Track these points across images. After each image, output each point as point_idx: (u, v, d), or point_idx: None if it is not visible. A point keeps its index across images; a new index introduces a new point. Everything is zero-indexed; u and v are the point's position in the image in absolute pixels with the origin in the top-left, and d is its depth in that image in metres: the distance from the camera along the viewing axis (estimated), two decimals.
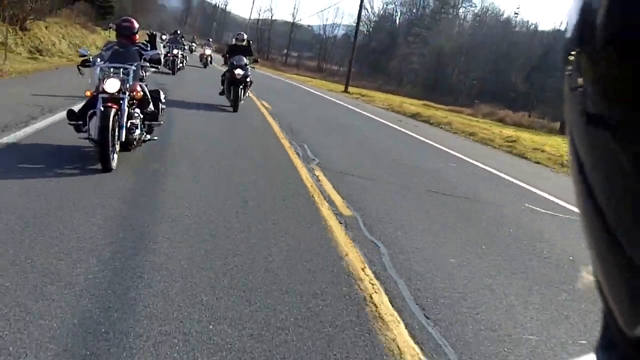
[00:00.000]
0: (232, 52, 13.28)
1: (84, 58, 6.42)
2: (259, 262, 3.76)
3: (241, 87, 12.70)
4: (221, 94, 13.31)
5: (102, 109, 5.70)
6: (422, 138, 13.31)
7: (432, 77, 58.40)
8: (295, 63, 77.62)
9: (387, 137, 12.67)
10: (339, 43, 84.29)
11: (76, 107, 6.30)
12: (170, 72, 20.23)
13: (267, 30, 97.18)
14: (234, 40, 14.24)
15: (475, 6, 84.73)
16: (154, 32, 8.83)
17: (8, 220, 3.86)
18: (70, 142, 6.39)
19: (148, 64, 6.71)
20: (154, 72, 16.22)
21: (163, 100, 7.15)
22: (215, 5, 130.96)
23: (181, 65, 22.33)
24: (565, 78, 0.29)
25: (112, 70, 6.09)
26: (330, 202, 5.65)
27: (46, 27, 19.66)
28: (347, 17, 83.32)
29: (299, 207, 5.42)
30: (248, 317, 2.96)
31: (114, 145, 5.84)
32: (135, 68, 6.28)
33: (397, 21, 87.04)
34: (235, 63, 12.72)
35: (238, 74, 12.48)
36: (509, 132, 18.41)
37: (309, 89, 28.82)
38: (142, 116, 6.47)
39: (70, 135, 6.25)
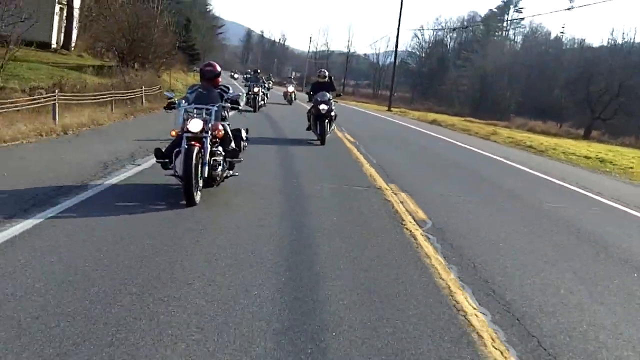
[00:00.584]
0: (315, 89, 14.30)
1: (170, 101, 7.04)
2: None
3: (327, 121, 13.62)
4: (308, 129, 14.21)
5: (186, 147, 6.17)
6: (418, 128, 21.18)
7: (478, 96, 64.02)
8: (352, 91, 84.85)
9: (403, 130, 20.13)
10: (391, 70, 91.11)
11: (164, 147, 6.74)
12: (252, 109, 21.37)
13: (325, 62, 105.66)
14: (317, 77, 15.49)
15: (524, 27, 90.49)
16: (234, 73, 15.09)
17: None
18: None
19: (229, 105, 7.07)
20: (243, 110, 18.07)
21: (245, 138, 7.52)
22: (274, 41, 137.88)
23: (262, 102, 23.41)
24: None
25: (195, 111, 6.59)
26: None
27: (167, 73, 27.82)
28: (399, 45, 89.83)
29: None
30: None
31: (197, 181, 6.28)
32: (216, 109, 6.75)
33: (449, 46, 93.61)
34: (319, 99, 13.65)
35: (323, 109, 13.40)
36: (503, 131, 25.50)
37: (363, 110, 37.11)
38: (223, 154, 6.88)
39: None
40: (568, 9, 77.37)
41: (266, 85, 26.68)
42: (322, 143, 13.45)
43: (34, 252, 4.17)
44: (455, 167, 12.31)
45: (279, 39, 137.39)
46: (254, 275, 4.12)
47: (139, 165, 8.23)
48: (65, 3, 25.68)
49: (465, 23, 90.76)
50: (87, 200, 5.98)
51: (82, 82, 17.08)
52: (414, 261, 4.91)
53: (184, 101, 6.89)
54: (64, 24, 26.59)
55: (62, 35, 26.87)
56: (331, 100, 13.87)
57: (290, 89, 31.50)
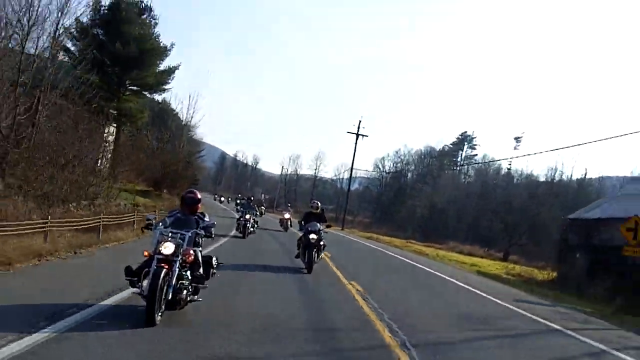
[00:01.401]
0: (307, 219, 15.31)
1: (148, 222, 7.74)
2: None
3: (315, 250, 14.41)
4: (297, 256, 15.09)
5: (155, 268, 6.74)
6: (356, 239, 30.65)
7: (427, 223, 74.93)
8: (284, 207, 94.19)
9: (346, 240, 29.70)
10: (355, 194, 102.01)
11: (135, 265, 7.23)
12: (241, 235, 22.61)
13: (294, 185, 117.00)
14: (310, 208, 16.17)
15: (477, 162, 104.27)
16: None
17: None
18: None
19: (203, 232, 7.69)
20: (231, 236, 21.94)
21: (214, 265, 8.12)
22: (246, 164, 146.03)
23: (252, 229, 24.25)
24: None
25: (170, 234, 7.23)
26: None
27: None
28: (361, 172, 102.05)
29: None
30: None
31: (160, 302, 6.73)
32: (190, 235, 7.39)
33: (407, 177, 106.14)
34: (310, 229, 14.60)
35: (312, 239, 14.30)
36: (424, 248, 35.54)
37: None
38: (190, 278, 7.43)
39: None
40: (515, 147, 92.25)
41: (257, 212, 27.88)
42: (309, 272, 14.11)
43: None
44: (371, 256, 22.08)
45: (252, 162, 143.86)
46: None
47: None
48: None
49: (423, 157, 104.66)
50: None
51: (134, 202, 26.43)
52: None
53: (161, 224, 7.54)
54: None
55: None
56: (321, 231, 14.82)
57: (287, 215, 32.29)
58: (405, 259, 24.11)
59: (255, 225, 25.48)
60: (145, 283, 6.87)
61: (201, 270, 7.66)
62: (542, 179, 78.72)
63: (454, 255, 32.90)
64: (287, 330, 7.49)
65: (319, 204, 16.08)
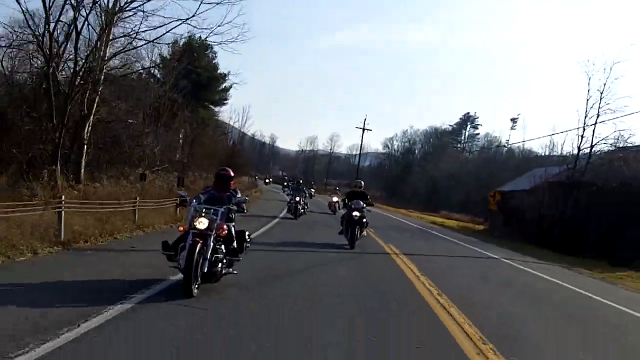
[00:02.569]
0: (350, 197, 16.52)
1: (182, 199, 8.27)
2: None
3: (357, 227, 15.52)
4: (340, 233, 16.24)
5: (191, 242, 7.22)
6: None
7: (429, 196, 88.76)
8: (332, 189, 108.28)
9: None
10: (367, 171, 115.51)
11: (171, 240, 7.76)
12: (293, 217, 24.43)
13: (311, 163, 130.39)
14: (353, 187, 17.61)
15: (479, 140, 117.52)
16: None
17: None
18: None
19: (235, 208, 8.19)
20: (282, 218, 24.04)
21: (248, 240, 8.66)
22: (264, 143, 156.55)
23: (302, 211, 25.93)
24: None
25: (204, 210, 7.67)
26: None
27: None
28: (372, 151, 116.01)
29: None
30: None
31: (197, 275, 7.26)
32: (223, 210, 7.85)
33: (415, 154, 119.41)
34: (353, 206, 15.73)
35: (355, 216, 15.42)
36: (427, 217, 49.85)
37: None
38: (224, 252, 7.90)
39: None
40: (512, 127, 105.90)
41: (307, 194, 29.89)
42: (352, 247, 14.99)
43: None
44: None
45: (269, 141, 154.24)
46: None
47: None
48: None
49: (428, 136, 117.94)
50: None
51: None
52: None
53: (194, 200, 8.04)
54: None
55: None
56: (364, 209, 15.65)
57: (335, 199, 33.20)
58: (396, 218, 38.64)
59: (306, 207, 27.48)
60: (181, 257, 7.32)
61: (235, 244, 8.17)
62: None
63: (433, 218, 47.03)
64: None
65: (362, 183, 17.31)
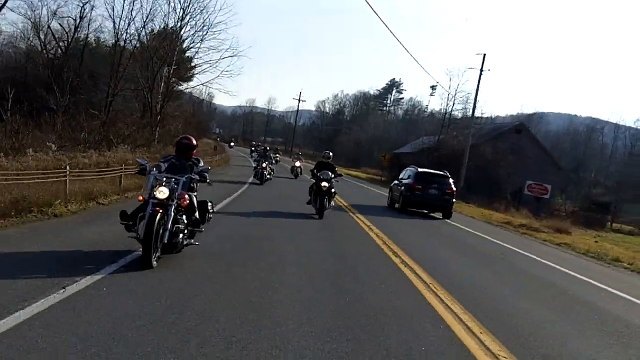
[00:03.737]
0: (319, 168, 16.98)
1: (141, 167, 7.83)
2: None
3: (326, 197, 15.98)
4: (308, 202, 16.75)
5: (150, 212, 7.07)
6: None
7: (355, 155, 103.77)
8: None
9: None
10: (300, 130, 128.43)
11: (130, 210, 7.60)
12: (259, 182, 25.70)
13: (250, 120, 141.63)
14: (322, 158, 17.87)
15: (403, 104, 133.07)
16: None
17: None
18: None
19: (197, 177, 7.98)
20: (250, 183, 25.07)
21: (210, 210, 8.63)
22: (202, 100, 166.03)
23: (269, 177, 27.26)
24: None
25: (164, 179, 7.45)
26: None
27: None
28: (309, 106, 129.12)
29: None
30: None
31: (156, 245, 7.11)
32: (184, 179, 7.65)
33: (346, 115, 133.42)
34: (322, 177, 16.13)
35: (324, 186, 15.89)
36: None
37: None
38: (185, 222, 7.78)
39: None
40: (431, 94, 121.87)
41: (273, 160, 31.45)
42: (320, 217, 15.62)
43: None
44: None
45: (205, 98, 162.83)
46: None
47: None
48: None
49: (357, 100, 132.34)
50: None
51: None
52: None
53: (155, 169, 7.72)
54: None
55: None
56: (332, 180, 16.36)
57: (298, 164, 35.52)
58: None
59: (272, 172, 28.92)
60: (140, 227, 7.19)
61: (197, 214, 8.04)
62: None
63: (350, 172, 61.82)
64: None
65: (330, 154, 17.73)
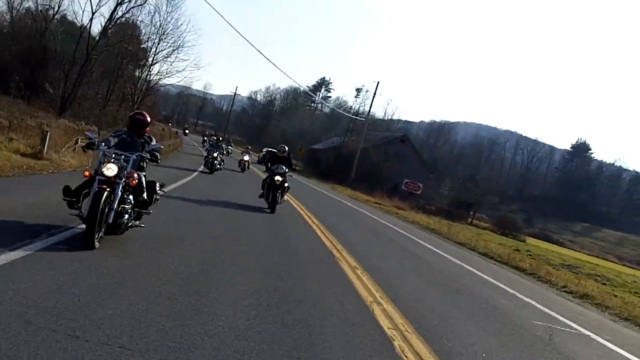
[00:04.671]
0: (273, 161, 16.79)
1: (90, 141, 7.53)
2: None
3: (279, 191, 15.92)
4: (260, 196, 16.55)
5: (97, 189, 6.73)
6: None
7: (282, 143, 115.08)
8: (201, 131, 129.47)
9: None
10: (233, 117, 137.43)
11: (74, 185, 7.25)
12: (209, 171, 26.53)
13: (184, 101, 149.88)
14: (276, 151, 17.77)
15: (330, 102, 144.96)
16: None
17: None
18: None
19: (148, 156, 7.75)
20: (200, 172, 25.70)
21: (158, 192, 8.32)
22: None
23: (219, 166, 28.30)
24: None
25: (113, 156, 7.16)
26: None
27: None
28: (243, 93, 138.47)
29: None
30: None
31: (101, 225, 6.82)
32: (135, 157, 7.39)
33: (276, 106, 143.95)
34: (276, 170, 16.14)
35: (277, 180, 15.81)
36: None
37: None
38: (132, 203, 7.49)
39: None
40: (356, 96, 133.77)
41: (225, 151, 32.71)
42: (272, 211, 15.57)
43: None
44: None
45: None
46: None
47: None
48: None
49: (288, 94, 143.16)
50: None
51: None
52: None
53: (104, 144, 7.38)
54: None
55: None
56: (286, 174, 16.32)
57: (246, 157, 35.29)
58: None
59: (222, 163, 29.55)
60: (84, 204, 6.89)
61: (145, 195, 7.77)
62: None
63: None
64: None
65: (286, 148, 17.72)
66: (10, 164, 13.26)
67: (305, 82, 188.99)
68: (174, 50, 48.12)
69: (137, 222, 7.91)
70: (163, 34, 47.64)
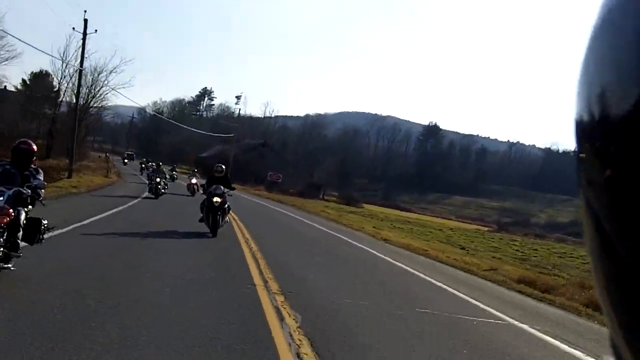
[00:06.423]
0: (210, 182, 16.40)
1: None
2: None
3: (219, 213, 15.41)
4: (200, 220, 15.83)
5: None
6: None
7: (171, 154, 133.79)
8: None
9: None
10: (121, 129, 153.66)
11: None
12: (154, 197, 27.22)
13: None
14: (213, 171, 17.11)
15: (214, 109, 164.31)
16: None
17: None
18: None
19: (29, 192, 7.25)
20: (144, 198, 26.55)
21: (43, 230, 7.72)
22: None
23: (163, 191, 29.13)
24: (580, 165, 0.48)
25: None
26: None
27: None
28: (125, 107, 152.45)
29: None
30: None
31: None
32: (10, 193, 6.92)
33: (164, 116, 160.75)
34: (212, 191, 15.59)
35: (216, 202, 15.32)
36: None
37: None
38: (3, 243, 6.79)
39: None
40: (236, 103, 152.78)
41: (167, 176, 34.75)
42: (214, 235, 15.06)
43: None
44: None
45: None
46: None
47: None
48: None
49: (174, 105, 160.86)
50: None
51: None
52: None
53: None
54: None
55: None
56: (225, 194, 15.79)
57: (194, 180, 35.68)
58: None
59: (166, 187, 30.97)
60: None
61: (20, 234, 7.21)
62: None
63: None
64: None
65: (223, 168, 17.36)
66: None
67: (189, 93, 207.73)
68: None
69: (5, 264, 7.07)
70: None
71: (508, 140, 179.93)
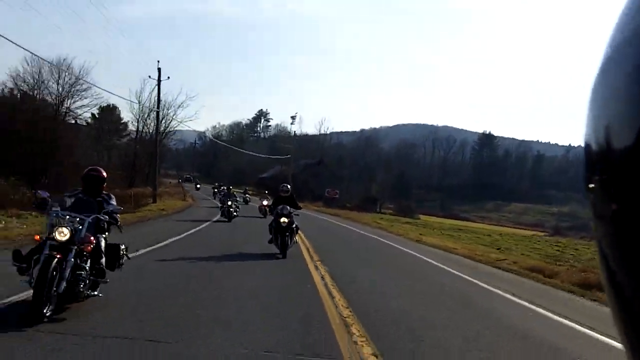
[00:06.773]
0: (277, 203, 16.63)
1: (42, 200, 7.24)
2: None
3: (287, 233, 15.52)
4: (270, 242, 15.99)
5: (46, 256, 6.41)
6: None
7: (234, 176, 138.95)
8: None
9: None
10: (183, 153, 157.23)
11: (25, 250, 7.02)
12: (227, 219, 28.94)
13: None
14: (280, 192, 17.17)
15: (271, 130, 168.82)
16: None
17: None
18: None
19: (106, 218, 7.42)
20: (215, 220, 28.07)
21: (123, 256, 7.90)
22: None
23: (235, 214, 30.55)
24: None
25: (67, 218, 6.82)
26: None
27: None
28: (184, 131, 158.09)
29: None
30: None
31: (49, 296, 6.35)
32: (91, 220, 7.07)
33: (224, 141, 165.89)
34: (279, 212, 15.76)
35: (283, 222, 15.46)
36: None
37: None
38: (88, 270, 6.96)
39: None
40: (291, 123, 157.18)
41: (238, 199, 35.66)
42: (284, 256, 15.13)
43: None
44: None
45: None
46: None
47: None
48: None
49: (232, 129, 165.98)
50: None
51: None
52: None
53: (57, 204, 7.13)
54: None
55: None
56: (292, 214, 15.89)
57: (265, 202, 35.70)
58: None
59: (238, 210, 32.32)
60: (35, 272, 6.50)
61: (103, 261, 7.39)
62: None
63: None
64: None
65: (289, 187, 17.44)
66: None
67: (246, 115, 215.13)
68: None
69: (93, 291, 7.30)
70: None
71: (569, 144, 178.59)
